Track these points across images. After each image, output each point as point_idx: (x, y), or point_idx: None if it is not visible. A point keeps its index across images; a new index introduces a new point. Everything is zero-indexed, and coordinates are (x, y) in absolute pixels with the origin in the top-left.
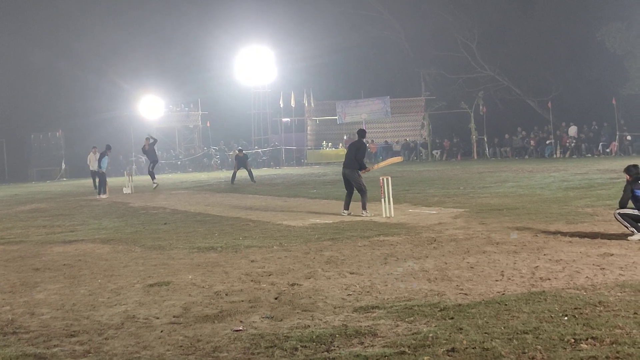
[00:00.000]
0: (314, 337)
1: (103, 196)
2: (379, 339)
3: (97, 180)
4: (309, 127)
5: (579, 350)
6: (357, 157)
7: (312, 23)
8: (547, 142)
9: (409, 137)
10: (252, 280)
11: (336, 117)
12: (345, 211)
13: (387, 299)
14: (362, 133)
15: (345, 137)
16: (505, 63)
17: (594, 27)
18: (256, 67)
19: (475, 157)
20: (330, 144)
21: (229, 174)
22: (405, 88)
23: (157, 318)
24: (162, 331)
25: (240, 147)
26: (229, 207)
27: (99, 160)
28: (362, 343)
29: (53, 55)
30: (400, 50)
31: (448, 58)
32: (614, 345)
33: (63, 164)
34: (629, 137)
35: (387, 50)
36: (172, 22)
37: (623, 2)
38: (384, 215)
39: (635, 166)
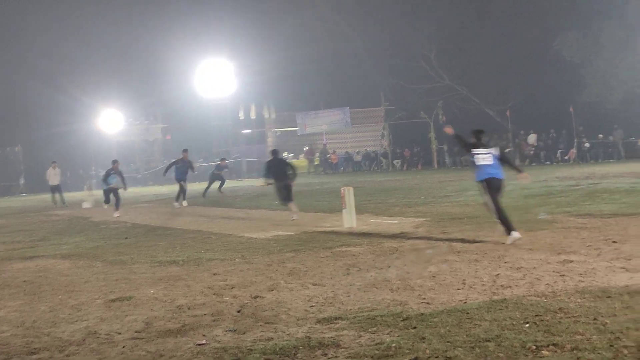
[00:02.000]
0: (277, 349)
1: (117, 214)
2: (342, 349)
3: (56, 195)
4: (269, 139)
5: (541, 357)
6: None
7: (270, 35)
8: (507, 150)
9: (370, 148)
10: (214, 294)
11: (296, 128)
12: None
13: (350, 309)
14: (276, 152)
15: (306, 148)
16: (464, 73)
17: (551, 37)
18: (216, 79)
19: (436, 166)
20: (291, 155)
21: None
22: (365, 98)
23: (119, 333)
24: (124, 347)
25: (223, 157)
26: (191, 220)
27: (107, 177)
28: (325, 354)
29: (11, 70)
30: (359, 61)
31: (407, 68)
32: (574, 352)
33: (22, 179)
34: (587, 144)
35: (346, 61)
36: (130, 36)
37: (579, 11)
38: (346, 226)
39: None
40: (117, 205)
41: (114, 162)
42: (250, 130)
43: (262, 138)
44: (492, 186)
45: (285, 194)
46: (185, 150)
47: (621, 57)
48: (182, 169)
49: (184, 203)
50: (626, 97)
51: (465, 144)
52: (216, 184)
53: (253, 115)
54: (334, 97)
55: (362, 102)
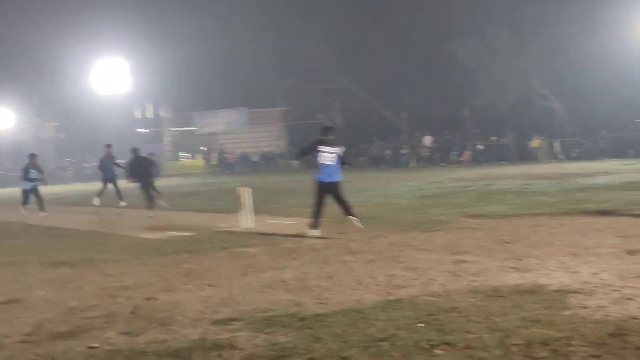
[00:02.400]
0: (171, 351)
1: (43, 214)
2: (238, 351)
3: None
4: (166, 138)
5: (434, 356)
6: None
7: (167, 34)
8: (403, 151)
9: (267, 148)
10: (107, 295)
11: (193, 128)
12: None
13: (246, 310)
14: (136, 151)
15: (204, 149)
16: (361, 74)
17: (447, 41)
18: (111, 77)
19: None
20: (190, 155)
21: (85, 186)
22: (262, 99)
23: (7, 337)
24: (12, 350)
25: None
26: (85, 220)
27: (26, 173)
28: (220, 356)
29: None
30: (256, 61)
31: (304, 69)
32: (466, 350)
33: None
34: (480, 147)
35: (244, 61)
36: (21, 33)
37: (473, 17)
38: (243, 226)
39: None
40: (41, 205)
41: (32, 156)
42: (147, 130)
43: (158, 137)
44: (328, 189)
45: (148, 193)
46: (108, 146)
47: (514, 62)
48: (109, 167)
49: (122, 204)
50: (519, 101)
51: (312, 142)
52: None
53: (150, 115)
54: (231, 97)
55: (260, 103)
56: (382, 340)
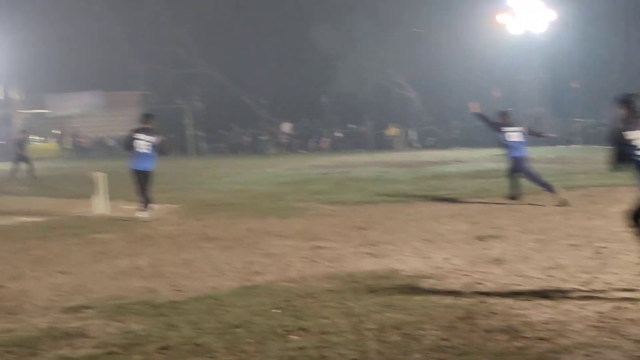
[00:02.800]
0: (18, 341)
1: None
2: (89, 339)
3: None
4: (17, 120)
5: (289, 342)
6: None
7: (19, 12)
8: (262, 138)
9: (124, 132)
10: None
11: (46, 111)
12: None
13: (99, 298)
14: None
15: (57, 132)
16: (221, 60)
17: (306, 28)
18: None
19: (192, 153)
20: (42, 138)
21: None
22: (120, 82)
23: None
24: None
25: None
26: None
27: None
28: (70, 345)
29: None
30: (114, 43)
31: (163, 53)
32: (321, 335)
33: None
34: (339, 134)
35: (101, 42)
36: None
37: (333, 4)
38: (97, 212)
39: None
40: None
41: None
42: None
43: (8, 120)
44: (141, 177)
45: None
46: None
47: (372, 51)
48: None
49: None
50: (376, 90)
51: (130, 131)
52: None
53: (1, 96)
54: (87, 80)
55: (117, 86)
56: (237, 326)
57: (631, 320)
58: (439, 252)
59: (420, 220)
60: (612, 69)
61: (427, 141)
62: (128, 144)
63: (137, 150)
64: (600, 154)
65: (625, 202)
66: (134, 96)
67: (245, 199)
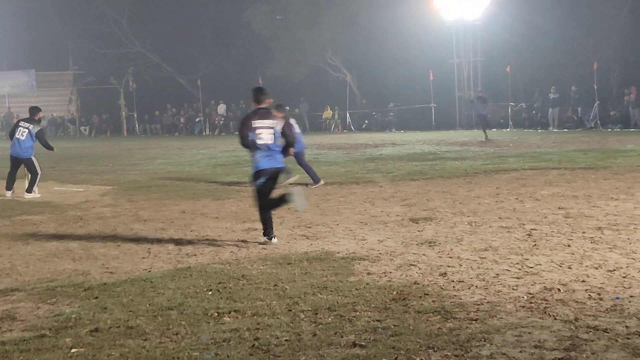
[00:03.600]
0: None
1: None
2: (18, 322)
3: None
4: None
5: (222, 324)
6: None
7: None
8: (197, 119)
9: (56, 113)
10: None
11: None
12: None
13: (28, 280)
14: None
15: None
16: (156, 40)
17: (241, 9)
18: None
19: (125, 133)
20: None
21: None
22: (53, 61)
23: None
24: None
25: None
26: None
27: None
28: None
29: None
30: (47, 21)
31: (98, 32)
32: (255, 317)
33: None
34: None
35: (33, 20)
36: None
37: None
38: (27, 194)
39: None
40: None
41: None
42: None
43: None
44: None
45: None
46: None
47: (307, 32)
48: None
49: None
50: (311, 72)
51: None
52: None
53: None
54: (18, 58)
55: (50, 65)
56: (170, 308)
57: (561, 301)
58: (372, 234)
59: (355, 203)
60: (544, 54)
61: (362, 124)
62: (11, 133)
63: (17, 137)
64: (532, 138)
65: (556, 184)
66: (68, 76)
67: (180, 180)
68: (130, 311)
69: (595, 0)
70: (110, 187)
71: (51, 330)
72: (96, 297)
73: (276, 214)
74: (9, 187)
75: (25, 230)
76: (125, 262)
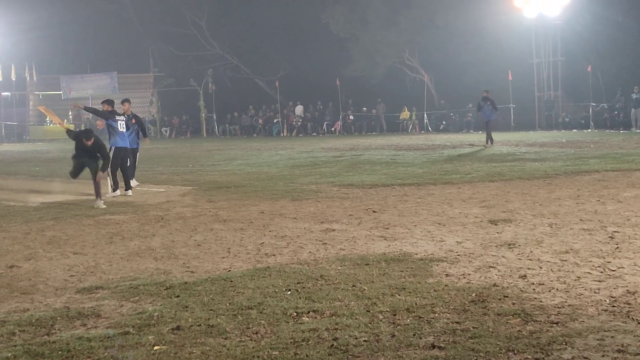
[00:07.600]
0: (33, 320)
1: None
2: (103, 319)
3: None
4: (31, 102)
5: (301, 324)
6: None
7: None
8: (275, 120)
9: (138, 114)
10: None
11: (61, 92)
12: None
13: (112, 279)
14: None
15: (70, 114)
16: (234, 42)
17: (320, 10)
18: None
19: (205, 135)
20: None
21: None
22: (134, 64)
23: None
24: None
25: None
26: None
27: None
28: (84, 324)
29: None
30: (128, 24)
31: (177, 34)
32: (333, 317)
33: None
34: (351, 117)
35: (115, 24)
36: None
37: None
38: (110, 194)
39: None
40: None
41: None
42: (9, 93)
43: (23, 101)
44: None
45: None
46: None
47: (385, 33)
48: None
49: None
50: (389, 73)
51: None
52: None
53: (14, 77)
54: (101, 61)
55: (131, 67)
56: (249, 308)
57: None
58: (451, 235)
59: (433, 204)
60: (626, 53)
61: (440, 125)
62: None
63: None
64: (614, 139)
65: (639, 186)
66: (149, 78)
67: (258, 181)
68: (210, 310)
69: None
70: (190, 188)
71: (134, 327)
72: (177, 296)
73: (354, 215)
74: (128, 185)
75: (109, 229)
76: (206, 261)
